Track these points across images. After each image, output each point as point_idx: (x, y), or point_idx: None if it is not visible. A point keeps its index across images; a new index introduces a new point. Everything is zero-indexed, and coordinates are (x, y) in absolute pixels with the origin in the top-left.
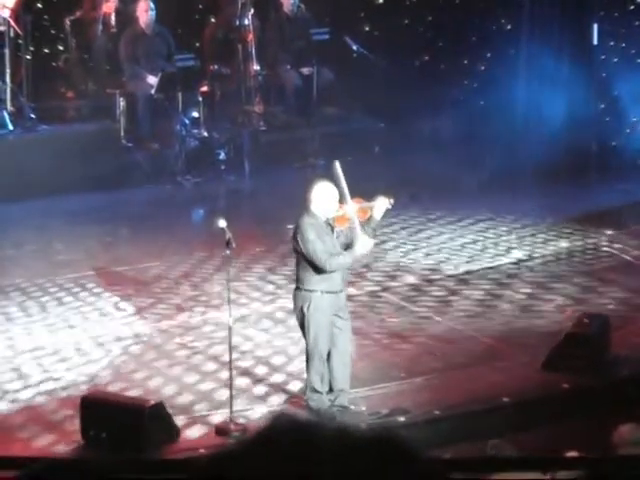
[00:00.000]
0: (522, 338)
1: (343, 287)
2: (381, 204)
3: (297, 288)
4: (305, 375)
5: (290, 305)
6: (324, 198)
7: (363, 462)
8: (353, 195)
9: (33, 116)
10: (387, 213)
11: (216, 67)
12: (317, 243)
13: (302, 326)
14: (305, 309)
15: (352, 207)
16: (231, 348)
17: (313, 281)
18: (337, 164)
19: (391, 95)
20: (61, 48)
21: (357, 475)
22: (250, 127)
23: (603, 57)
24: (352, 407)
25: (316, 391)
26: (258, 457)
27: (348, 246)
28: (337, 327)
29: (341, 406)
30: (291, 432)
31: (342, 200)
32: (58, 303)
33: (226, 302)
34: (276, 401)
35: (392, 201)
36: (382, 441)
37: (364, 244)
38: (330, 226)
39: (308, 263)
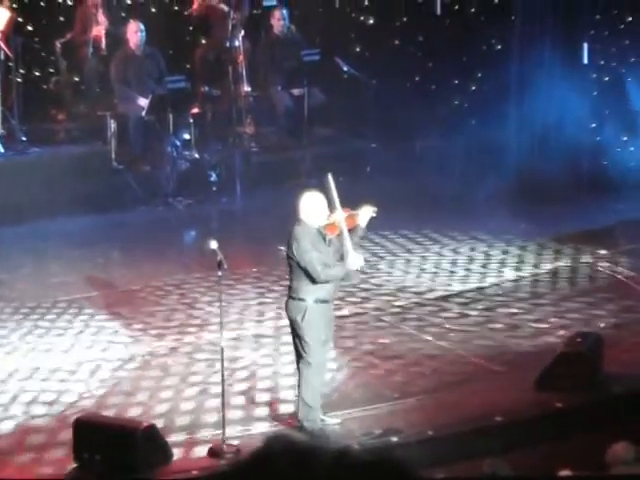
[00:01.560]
0: (515, 357)
1: (334, 297)
2: (366, 212)
3: (290, 297)
4: (298, 394)
5: (283, 324)
6: (313, 206)
7: None
8: (342, 207)
9: (24, 139)
10: (377, 229)
11: (207, 88)
12: (313, 252)
13: (296, 338)
14: (300, 320)
15: (341, 214)
16: (223, 369)
17: (307, 290)
18: (330, 176)
19: (382, 115)
20: (52, 71)
21: None
22: (241, 148)
23: (594, 76)
24: (326, 419)
25: (310, 408)
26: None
27: (340, 254)
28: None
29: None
30: (287, 454)
31: (331, 209)
32: (52, 325)
33: (219, 323)
34: (270, 422)
35: (376, 210)
36: (379, 463)
37: (355, 260)
38: (321, 234)
39: (303, 271)
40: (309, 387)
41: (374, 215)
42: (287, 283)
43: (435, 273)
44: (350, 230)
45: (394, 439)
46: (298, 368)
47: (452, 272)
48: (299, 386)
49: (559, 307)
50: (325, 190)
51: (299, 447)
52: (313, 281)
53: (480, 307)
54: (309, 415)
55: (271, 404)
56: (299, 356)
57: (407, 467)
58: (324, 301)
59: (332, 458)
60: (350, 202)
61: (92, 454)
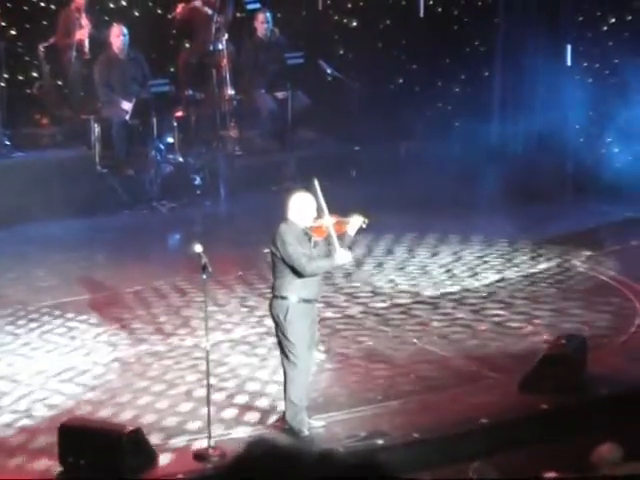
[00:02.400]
0: (499, 359)
1: (318, 297)
2: (356, 221)
3: (274, 296)
4: (285, 395)
5: (268, 326)
6: (301, 206)
7: None
8: (330, 212)
9: (8, 143)
10: (362, 232)
11: (190, 92)
12: (297, 246)
13: (281, 337)
14: (282, 319)
15: (329, 220)
16: (209, 373)
17: (289, 288)
18: (316, 181)
19: (366, 118)
20: (35, 75)
21: None
22: (225, 152)
23: (577, 78)
24: (311, 422)
25: (297, 408)
26: None
27: (325, 257)
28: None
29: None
30: (270, 458)
31: (320, 214)
32: (37, 329)
33: (204, 326)
34: (256, 425)
35: (366, 221)
36: (362, 467)
37: (343, 256)
38: (307, 235)
39: (287, 267)
40: (295, 387)
41: (364, 226)
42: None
43: (420, 275)
44: (338, 236)
45: (379, 442)
46: (283, 369)
47: (437, 274)
48: (285, 387)
49: (543, 309)
50: (312, 195)
51: (282, 450)
52: (299, 275)
53: (465, 309)
54: (297, 416)
55: (258, 406)
56: (284, 356)
57: (390, 470)
58: (307, 300)
59: (315, 461)
60: (335, 205)
61: (77, 458)
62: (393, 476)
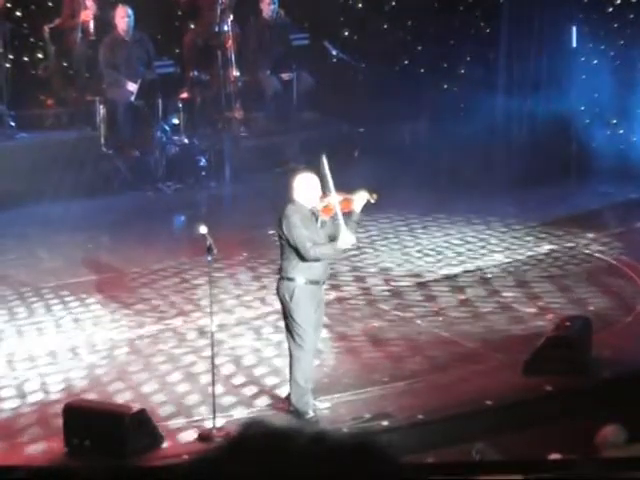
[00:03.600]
0: (504, 341)
1: (325, 279)
2: (362, 197)
3: (280, 277)
4: (290, 377)
5: (273, 308)
6: (306, 186)
7: (336, 468)
8: (337, 190)
9: (13, 124)
10: (370, 214)
11: (196, 73)
12: (302, 229)
13: (287, 319)
14: (289, 300)
15: (335, 198)
16: (213, 354)
17: (296, 270)
18: (324, 158)
19: (371, 99)
20: (41, 56)
21: None
22: (230, 133)
23: (582, 59)
24: (317, 403)
25: (302, 389)
26: (232, 464)
27: (332, 238)
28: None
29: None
30: (263, 439)
31: (326, 192)
32: (41, 311)
33: (208, 308)
34: (261, 407)
35: (375, 196)
36: (357, 447)
37: (346, 239)
38: (315, 216)
39: (292, 250)
40: (300, 368)
41: (373, 202)
42: (277, 267)
43: (424, 256)
44: (345, 214)
45: (384, 423)
46: (289, 350)
47: (441, 255)
48: (290, 368)
49: (548, 291)
50: (319, 172)
51: (275, 432)
52: (303, 258)
53: (469, 291)
54: (302, 397)
55: (263, 388)
56: (290, 338)
57: (387, 451)
58: (314, 282)
59: (308, 442)
60: (338, 186)
61: (82, 439)
62: (389, 457)
